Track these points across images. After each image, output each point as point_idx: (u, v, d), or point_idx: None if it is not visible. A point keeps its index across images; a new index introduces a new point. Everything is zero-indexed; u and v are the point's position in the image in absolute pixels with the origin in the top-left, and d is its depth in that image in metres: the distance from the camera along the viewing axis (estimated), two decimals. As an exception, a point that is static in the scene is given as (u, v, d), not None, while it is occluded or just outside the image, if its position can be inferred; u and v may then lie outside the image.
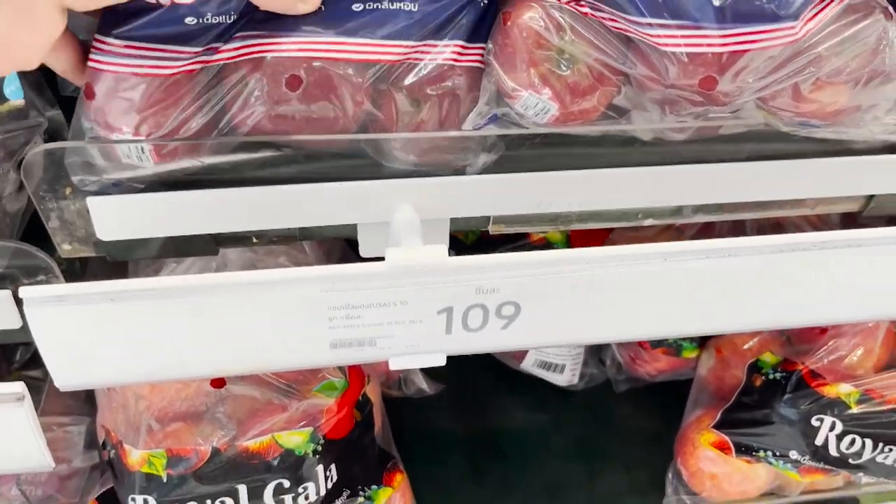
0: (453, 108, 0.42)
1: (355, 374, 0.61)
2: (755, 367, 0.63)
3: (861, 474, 0.61)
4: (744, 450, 0.62)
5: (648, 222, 0.51)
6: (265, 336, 0.40)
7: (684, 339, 0.72)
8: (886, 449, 0.58)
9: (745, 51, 0.39)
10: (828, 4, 0.41)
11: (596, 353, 0.80)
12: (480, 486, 0.70)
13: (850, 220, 0.66)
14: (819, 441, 0.58)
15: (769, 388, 0.61)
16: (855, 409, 0.58)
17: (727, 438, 0.63)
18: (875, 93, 0.44)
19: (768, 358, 0.63)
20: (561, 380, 0.77)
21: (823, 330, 0.62)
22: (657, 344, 0.72)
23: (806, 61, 0.41)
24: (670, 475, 0.68)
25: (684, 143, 0.47)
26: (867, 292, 0.49)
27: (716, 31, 0.38)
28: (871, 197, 0.55)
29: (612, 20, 0.40)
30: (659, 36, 0.39)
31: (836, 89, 0.43)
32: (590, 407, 0.78)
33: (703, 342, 0.72)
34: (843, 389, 0.58)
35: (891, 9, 0.43)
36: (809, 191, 0.52)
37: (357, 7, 0.39)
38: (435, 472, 0.70)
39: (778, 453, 0.61)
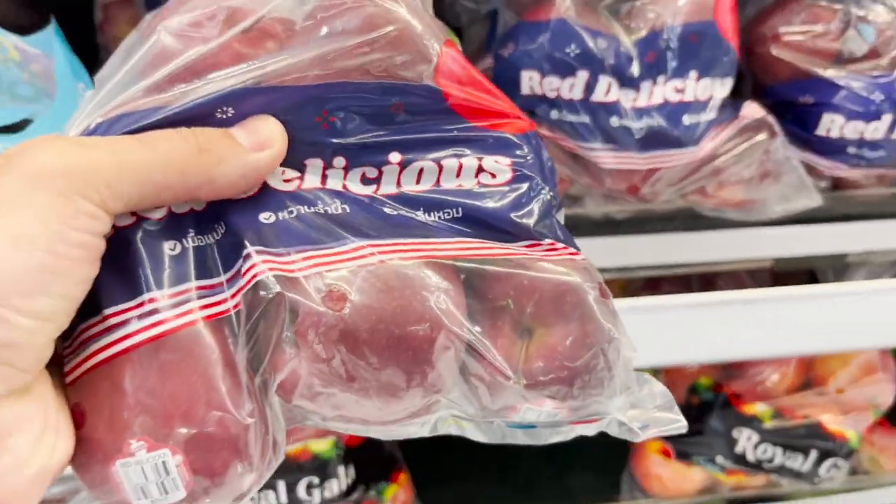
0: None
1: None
2: (693, 390, 0.77)
3: (776, 476, 0.76)
4: (682, 455, 0.76)
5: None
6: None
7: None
8: (793, 456, 0.72)
9: (659, 168, 0.53)
10: (725, 128, 0.55)
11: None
12: (471, 481, 0.85)
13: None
14: (738, 449, 0.73)
15: (703, 406, 0.75)
16: (768, 424, 0.72)
17: (669, 446, 0.77)
18: (766, 190, 0.58)
19: (704, 381, 0.77)
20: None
21: (750, 358, 0.76)
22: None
23: (708, 171, 0.56)
24: (625, 476, 0.82)
25: (626, 220, 0.61)
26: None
27: (637, 154, 0.53)
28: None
29: (564, 141, 0.54)
30: (598, 156, 0.53)
31: (734, 188, 0.57)
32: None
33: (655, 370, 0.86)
34: (759, 408, 0.72)
35: (775, 127, 0.57)
36: (724, 255, 0.66)
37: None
38: (432, 470, 0.84)
39: (708, 458, 0.75)
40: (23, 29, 0.46)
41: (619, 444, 0.88)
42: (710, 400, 0.74)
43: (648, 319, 0.59)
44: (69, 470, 0.26)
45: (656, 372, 0.86)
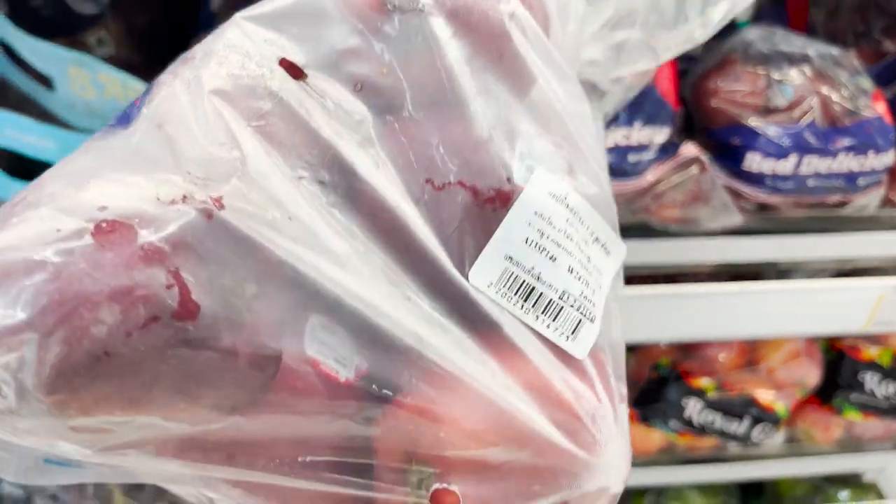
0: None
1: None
2: (655, 367, 0.96)
3: (718, 438, 0.94)
4: (643, 418, 0.95)
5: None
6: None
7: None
8: (730, 420, 0.91)
9: (615, 193, 0.72)
10: (664, 163, 0.74)
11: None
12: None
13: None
14: (686, 415, 0.91)
15: (661, 380, 0.94)
16: (711, 395, 0.90)
17: (635, 411, 0.96)
18: (697, 210, 0.77)
19: (664, 360, 0.96)
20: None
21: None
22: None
23: (651, 196, 0.74)
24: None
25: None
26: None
27: (595, 183, 0.72)
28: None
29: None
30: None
31: (672, 209, 0.76)
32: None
33: (630, 349, 1.05)
34: (705, 382, 0.91)
35: (706, 163, 0.76)
36: (671, 259, 0.85)
37: None
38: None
39: (663, 422, 0.94)
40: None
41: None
42: (666, 375, 0.93)
43: (627, 306, 0.78)
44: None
45: (630, 351, 1.05)
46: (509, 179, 0.29)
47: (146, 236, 0.23)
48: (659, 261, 0.84)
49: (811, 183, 0.78)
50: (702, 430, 0.92)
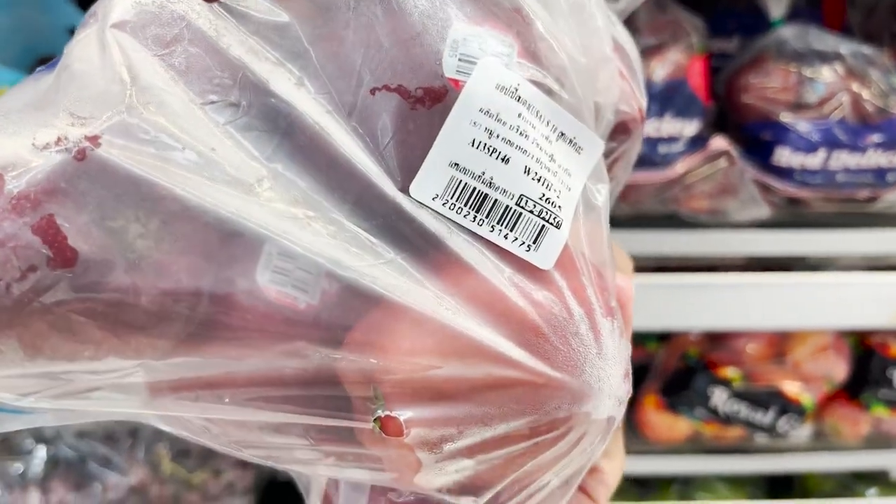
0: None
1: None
2: (683, 357, 0.98)
3: (745, 428, 0.96)
4: (670, 406, 0.97)
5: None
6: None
7: (649, 336, 1.08)
8: (756, 411, 0.93)
9: (644, 182, 0.75)
10: (694, 155, 0.77)
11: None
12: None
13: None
14: (712, 404, 0.93)
15: (689, 370, 0.96)
16: (737, 385, 0.92)
17: (663, 399, 0.98)
18: (725, 202, 0.79)
19: (692, 350, 0.98)
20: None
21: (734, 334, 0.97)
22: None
23: (681, 186, 0.77)
24: (626, 425, 1.03)
25: (626, 218, 0.83)
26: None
27: (625, 172, 0.74)
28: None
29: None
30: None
31: (700, 201, 0.79)
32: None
33: (660, 339, 1.07)
34: (731, 372, 0.93)
35: (734, 154, 0.78)
36: (702, 251, 0.87)
37: None
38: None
39: (689, 410, 0.96)
40: None
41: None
42: (694, 365, 0.95)
43: (658, 294, 0.81)
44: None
45: (660, 341, 1.07)
46: (440, 75, 0.25)
47: (16, 186, 0.23)
48: (689, 251, 0.87)
49: (840, 178, 0.80)
50: (727, 420, 0.94)
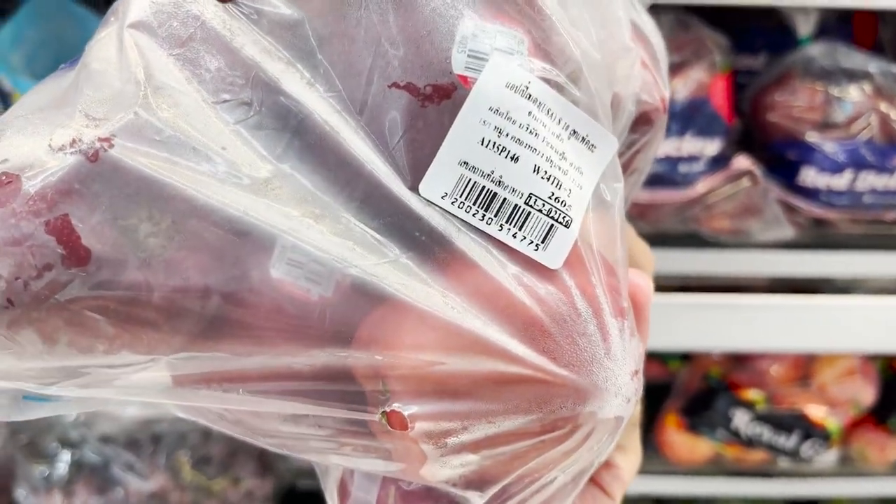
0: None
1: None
2: (705, 377, 0.97)
3: (768, 451, 0.94)
4: (692, 427, 0.96)
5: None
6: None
7: (672, 355, 1.06)
8: (779, 434, 0.91)
9: (664, 202, 0.74)
10: (716, 174, 0.76)
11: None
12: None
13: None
14: (734, 426, 0.92)
15: (711, 390, 0.95)
16: (760, 408, 0.91)
17: (684, 419, 0.97)
18: (748, 222, 0.78)
19: (714, 371, 0.97)
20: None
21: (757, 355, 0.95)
22: (650, 356, 1.07)
23: (703, 206, 0.76)
24: (646, 444, 1.02)
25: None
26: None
27: (644, 191, 0.74)
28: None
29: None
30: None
31: (722, 221, 0.78)
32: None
33: (683, 358, 1.06)
34: (754, 395, 0.91)
35: (757, 173, 0.77)
36: (723, 270, 0.86)
37: None
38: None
39: (711, 431, 0.94)
40: None
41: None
42: (716, 385, 0.94)
43: (681, 313, 0.80)
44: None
45: (682, 360, 1.06)
46: (449, 72, 0.25)
47: (33, 187, 0.23)
48: (712, 271, 0.86)
49: (867, 199, 0.78)
50: (750, 443, 0.93)
